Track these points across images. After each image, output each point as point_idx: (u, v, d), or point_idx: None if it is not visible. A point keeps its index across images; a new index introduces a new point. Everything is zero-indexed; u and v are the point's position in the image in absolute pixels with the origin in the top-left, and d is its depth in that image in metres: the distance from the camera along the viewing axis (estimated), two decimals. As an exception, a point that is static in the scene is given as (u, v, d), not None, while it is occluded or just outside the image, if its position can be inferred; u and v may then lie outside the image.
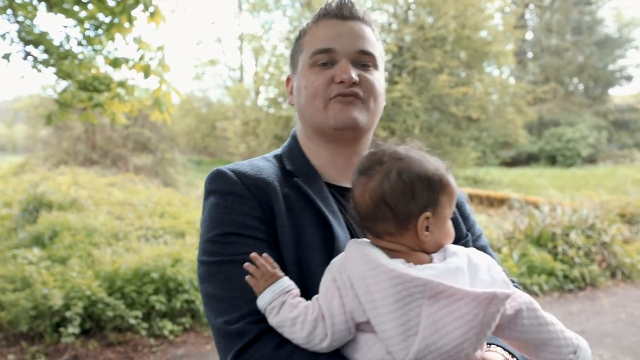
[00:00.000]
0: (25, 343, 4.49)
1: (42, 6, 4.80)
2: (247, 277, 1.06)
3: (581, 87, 37.44)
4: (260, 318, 1.06)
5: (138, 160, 18.03)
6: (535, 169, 28.05)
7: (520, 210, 8.98)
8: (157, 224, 7.74)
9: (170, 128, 19.83)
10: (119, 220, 8.16)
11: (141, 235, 7.05)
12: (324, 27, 1.28)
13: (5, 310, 4.74)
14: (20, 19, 4.83)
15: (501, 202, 11.92)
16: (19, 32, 4.85)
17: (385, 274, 0.97)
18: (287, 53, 25.26)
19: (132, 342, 4.64)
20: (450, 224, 1.12)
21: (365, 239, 1.11)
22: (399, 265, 0.99)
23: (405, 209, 1.04)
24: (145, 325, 4.77)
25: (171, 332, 4.83)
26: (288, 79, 1.41)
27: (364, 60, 1.26)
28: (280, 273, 1.06)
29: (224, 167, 1.25)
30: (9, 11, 4.73)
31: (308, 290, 1.08)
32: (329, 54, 1.25)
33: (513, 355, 1.17)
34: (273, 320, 1.03)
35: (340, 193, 1.27)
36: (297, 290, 1.06)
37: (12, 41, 4.88)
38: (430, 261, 1.06)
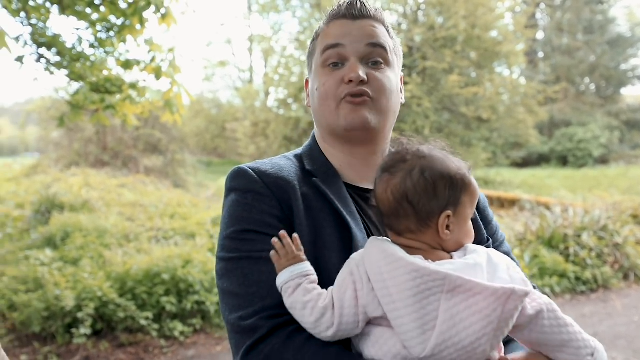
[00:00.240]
0: (37, 344, 4.52)
1: (55, 9, 4.84)
2: (271, 253, 1.08)
3: (593, 86, 37.14)
4: (273, 314, 1.07)
5: (149, 161, 18.13)
6: (547, 170, 27.87)
7: (531, 211, 8.92)
8: (168, 225, 7.77)
9: (180, 129, 19.93)
10: (129, 221, 8.21)
11: (152, 237, 7.08)
12: (334, 27, 1.28)
13: (18, 311, 4.78)
14: (34, 21, 4.87)
15: (512, 203, 11.85)
16: (32, 34, 4.89)
17: (404, 267, 0.98)
18: (297, 54, 25.38)
19: (143, 343, 4.66)
20: (470, 224, 1.12)
21: (385, 237, 1.11)
22: (417, 260, 1.00)
23: (426, 206, 1.05)
24: (156, 326, 4.79)
25: (182, 333, 4.84)
26: (307, 82, 1.42)
27: (374, 56, 1.26)
28: (304, 257, 1.08)
29: (244, 165, 1.26)
30: (23, 14, 4.77)
31: (325, 289, 1.09)
32: (338, 51, 1.25)
33: None
34: (287, 301, 1.05)
35: (358, 194, 1.28)
36: (315, 277, 1.08)
37: (26, 43, 4.92)
38: (450, 259, 1.06)
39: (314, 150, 1.35)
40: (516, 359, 1.06)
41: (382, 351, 1.00)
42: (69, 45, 5.01)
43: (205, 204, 11.22)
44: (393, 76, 1.29)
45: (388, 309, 0.98)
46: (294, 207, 1.18)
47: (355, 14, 1.27)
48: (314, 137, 1.39)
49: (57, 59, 5.04)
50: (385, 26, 1.31)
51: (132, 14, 4.71)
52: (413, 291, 0.96)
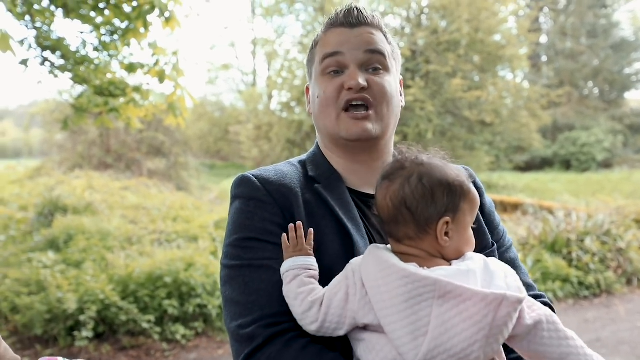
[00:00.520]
0: (39, 346, 4.53)
1: (60, 12, 4.85)
2: (282, 238, 1.13)
3: (596, 90, 37.05)
4: (271, 322, 1.09)
5: (152, 164, 18.15)
6: (550, 174, 27.79)
7: (534, 215, 8.91)
8: (171, 228, 7.78)
9: (183, 132, 19.95)
10: (132, 224, 8.21)
11: (154, 240, 7.09)
12: (332, 35, 1.30)
13: (20, 313, 4.79)
14: (38, 24, 4.89)
15: (515, 207, 11.82)
16: (37, 37, 4.90)
17: (396, 273, 0.99)
18: (300, 57, 25.41)
19: (145, 346, 4.66)
20: (471, 232, 1.12)
21: (385, 245, 1.13)
22: (410, 266, 1.01)
23: (425, 212, 1.06)
24: (158, 329, 4.79)
25: (184, 336, 4.84)
26: (307, 89, 1.43)
27: (373, 62, 1.27)
28: (310, 251, 1.13)
29: (248, 173, 1.28)
30: (27, 17, 4.79)
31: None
32: (337, 59, 1.26)
33: None
34: (284, 288, 1.10)
35: (361, 199, 1.28)
36: (314, 272, 1.11)
37: (30, 47, 4.94)
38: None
39: (318, 156, 1.36)
40: None
41: (378, 357, 1.01)
42: (73, 48, 5.03)
43: (208, 206, 11.22)
44: (392, 80, 1.30)
45: (381, 314, 0.99)
46: (295, 214, 1.19)
47: (353, 22, 1.28)
48: (317, 144, 1.40)
49: (62, 62, 5.05)
50: (382, 32, 1.32)
51: (136, 17, 4.73)
52: (405, 297, 0.97)
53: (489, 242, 1.34)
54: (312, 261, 1.12)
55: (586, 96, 36.32)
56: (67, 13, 4.77)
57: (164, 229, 7.74)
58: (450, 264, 1.08)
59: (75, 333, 4.58)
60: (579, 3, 35.40)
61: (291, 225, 1.13)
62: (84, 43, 5.09)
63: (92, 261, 5.88)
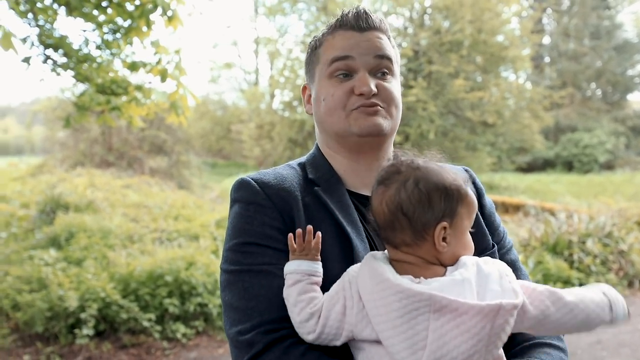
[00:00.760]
0: (40, 344, 4.53)
1: (62, 10, 4.86)
2: (289, 238, 1.12)
3: (599, 92, 37.00)
4: (270, 329, 1.08)
5: (153, 162, 18.16)
6: (552, 175, 27.75)
7: (536, 217, 8.89)
8: (172, 227, 7.78)
9: (185, 131, 19.95)
10: (134, 222, 8.22)
11: (156, 238, 7.09)
12: (341, 38, 1.28)
13: (21, 310, 4.80)
14: (41, 22, 4.89)
15: (517, 208, 11.82)
16: (39, 35, 4.91)
17: (391, 288, 0.98)
18: (303, 57, 25.27)
19: (146, 344, 4.67)
20: (469, 236, 1.11)
21: (382, 252, 1.12)
22: (404, 280, 1.00)
23: (421, 217, 1.05)
24: (158, 328, 4.80)
25: (184, 335, 4.85)
26: (304, 88, 1.42)
27: (382, 67, 1.27)
28: (317, 257, 1.11)
29: (248, 177, 1.27)
30: (30, 15, 4.79)
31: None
32: (346, 62, 1.25)
33: None
34: (285, 290, 1.09)
35: (360, 202, 1.28)
36: (318, 279, 1.10)
37: (33, 44, 4.94)
38: (444, 275, 1.05)
39: (318, 158, 1.35)
40: None
41: None
42: (75, 46, 5.03)
43: (209, 205, 11.22)
44: (398, 85, 1.32)
45: (379, 328, 0.98)
46: (295, 218, 1.19)
47: (362, 25, 1.28)
48: (317, 146, 1.39)
49: (64, 60, 5.06)
50: (387, 36, 1.32)
51: (138, 16, 4.73)
52: (400, 312, 0.96)
53: (489, 243, 1.34)
54: (317, 266, 1.11)
55: (589, 97, 36.28)
56: (70, 11, 4.77)
57: (165, 227, 7.74)
58: (445, 271, 1.06)
59: (76, 331, 4.58)
60: (582, 4, 35.34)
61: (298, 230, 1.12)
62: (87, 41, 5.10)
63: (93, 259, 5.89)
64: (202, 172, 21.17)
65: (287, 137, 24.29)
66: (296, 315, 1.06)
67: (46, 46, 4.96)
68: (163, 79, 5.03)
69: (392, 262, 1.08)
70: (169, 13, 4.76)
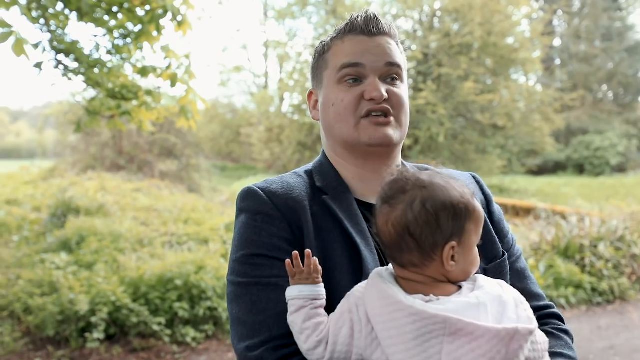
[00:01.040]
0: (51, 347, 4.56)
1: (74, 16, 4.89)
2: (287, 263, 1.07)
3: (610, 94, 36.74)
4: (279, 344, 1.07)
5: (164, 166, 18.25)
6: (563, 178, 27.58)
7: (547, 220, 8.81)
8: (182, 231, 7.81)
9: (195, 134, 20.05)
10: (144, 226, 8.26)
11: (165, 242, 7.12)
12: (350, 44, 1.26)
13: (33, 314, 4.83)
14: (53, 28, 4.93)
15: (527, 211, 11.74)
16: (51, 41, 4.94)
17: (403, 310, 0.96)
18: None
19: (156, 348, 4.68)
20: (476, 251, 1.09)
21: (389, 268, 1.10)
22: (417, 301, 0.98)
23: (429, 239, 1.02)
24: (168, 331, 4.81)
25: (194, 339, 4.85)
26: (310, 93, 1.40)
27: (391, 73, 1.26)
28: (319, 279, 1.07)
29: (255, 186, 1.25)
30: (42, 21, 4.83)
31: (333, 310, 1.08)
32: (357, 69, 1.24)
33: None
34: (288, 317, 1.06)
35: (369, 210, 1.24)
36: (322, 302, 1.07)
37: (44, 50, 4.98)
38: (458, 290, 1.04)
39: (325, 165, 1.33)
40: None
41: None
42: (86, 51, 5.06)
43: (219, 209, 11.26)
44: (406, 91, 1.30)
45: (390, 351, 0.96)
46: (304, 229, 1.17)
47: (373, 30, 1.26)
48: (324, 152, 1.38)
49: (75, 65, 5.08)
50: (396, 41, 1.31)
51: (148, 21, 4.75)
52: (414, 334, 0.94)
53: (500, 251, 1.31)
54: (320, 290, 1.07)
55: (600, 100, 36.02)
56: (81, 16, 4.80)
57: (175, 231, 7.77)
58: (459, 286, 1.05)
59: (87, 334, 4.60)
60: (594, 6, 35.12)
61: (295, 253, 1.07)
62: (97, 46, 5.13)
63: (103, 263, 5.92)
64: (212, 175, 21.26)
65: (296, 141, 24.31)
66: (303, 343, 1.03)
67: (58, 51, 4.99)
68: (173, 84, 5.05)
69: (399, 279, 1.06)
70: (179, 18, 4.78)
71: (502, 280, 1.09)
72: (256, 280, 1.13)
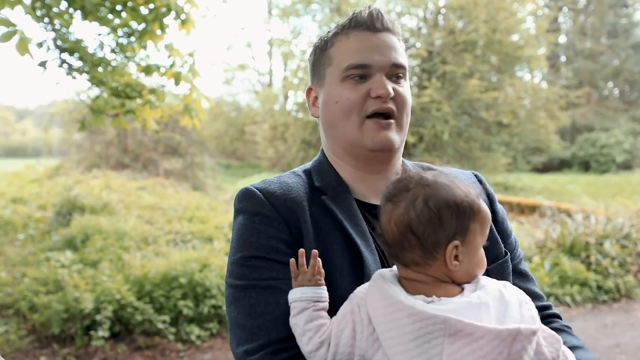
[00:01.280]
0: (56, 345, 4.57)
1: (78, 14, 4.90)
2: (291, 263, 1.07)
3: (616, 91, 36.60)
4: (278, 349, 1.05)
5: (168, 164, 18.29)
6: (568, 175, 27.48)
7: (552, 218, 8.78)
8: (186, 229, 7.82)
9: (199, 132, 20.07)
10: (148, 224, 8.28)
11: (170, 240, 7.13)
12: (355, 40, 1.23)
13: (38, 312, 4.85)
14: (57, 27, 4.94)
15: (532, 209, 11.70)
16: (55, 40, 4.95)
17: (403, 311, 0.95)
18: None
19: (160, 346, 4.69)
20: (482, 252, 1.07)
21: (392, 269, 1.08)
22: (417, 302, 0.97)
23: (432, 237, 1.00)
24: (173, 329, 4.82)
25: (198, 337, 4.86)
26: (309, 90, 1.38)
27: (397, 71, 1.23)
28: (321, 282, 1.06)
29: (252, 186, 1.23)
30: (46, 20, 4.84)
31: (336, 313, 1.06)
32: (364, 69, 1.21)
33: None
34: (291, 320, 1.05)
35: (369, 211, 1.23)
36: (324, 304, 1.06)
37: (49, 49, 4.99)
38: (461, 292, 1.02)
39: (324, 164, 1.31)
40: None
41: None
42: (90, 50, 5.07)
43: (223, 207, 11.27)
44: (409, 89, 1.28)
45: (390, 352, 0.95)
46: (303, 230, 1.15)
47: (377, 26, 1.24)
48: (322, 151, 1.36)
49: (79, 64, 5.09)
50: (399, 39, 1.29)
51: (152, 19, 4.75)
52: (414, 335, 0.93)
53: (502, 251, 1.29)
54: (322, 292, 1.06)
55: (606, 97, 35.88)
56: (85, 15, 4.81)
57: (180, 229, 7.79)
58: (462, 289, 1.03)
59: (92, 332, 4.61)
60: (599, 2, 34.96)
61: (301, 251, 1.06)
62: (101, 45, 5.13)
63: (108, 261, 5.93)
64: (216, 173, 21.30)
65: (300, 139, 24.32)
66: (305, 345, 1.02)
67: (62, 50, 5.00)
68: (177, 82, 5.05)
69: (401, 280, 1.05)
70: (183, 16, 4.78)
71: (506, 282, 1.07)
72: (254, 283, 1.11)
